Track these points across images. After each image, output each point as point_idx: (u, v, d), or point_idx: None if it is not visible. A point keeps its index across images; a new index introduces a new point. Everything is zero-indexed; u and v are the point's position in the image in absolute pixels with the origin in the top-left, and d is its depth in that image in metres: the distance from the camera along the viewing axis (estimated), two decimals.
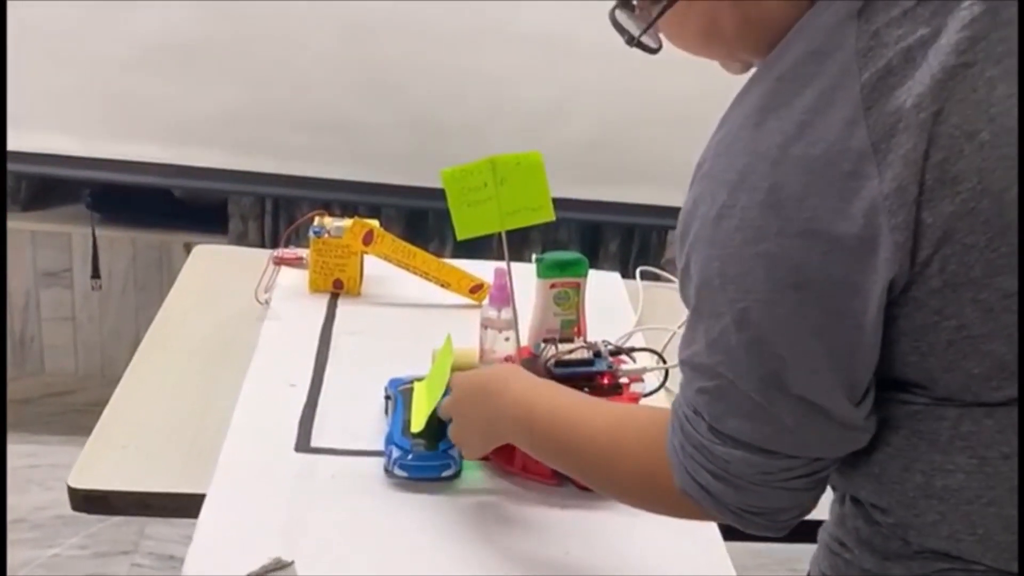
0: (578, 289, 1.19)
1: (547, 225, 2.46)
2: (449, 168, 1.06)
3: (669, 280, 1.70)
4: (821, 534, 0.87)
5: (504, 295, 1.17)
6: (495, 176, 1.07)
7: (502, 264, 1.14)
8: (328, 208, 2.27)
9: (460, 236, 1.08)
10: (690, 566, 1.02)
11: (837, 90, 0.68)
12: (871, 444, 0.76)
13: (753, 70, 0.78)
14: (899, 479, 0.75)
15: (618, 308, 1.58)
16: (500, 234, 1.09)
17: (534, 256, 1.19)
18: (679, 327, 1.50)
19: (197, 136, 2.22)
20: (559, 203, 2.59)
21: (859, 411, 0.73)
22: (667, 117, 2.22)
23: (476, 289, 1.51)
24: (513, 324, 1.14)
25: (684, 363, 0.78)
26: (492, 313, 1.21)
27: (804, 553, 1.63)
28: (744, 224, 0.70)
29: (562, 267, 1.18)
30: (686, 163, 2.44)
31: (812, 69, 0.70)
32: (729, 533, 1.07)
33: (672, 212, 2.43)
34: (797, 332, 0.70)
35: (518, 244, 2.43)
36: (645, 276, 1.66)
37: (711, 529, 1.06)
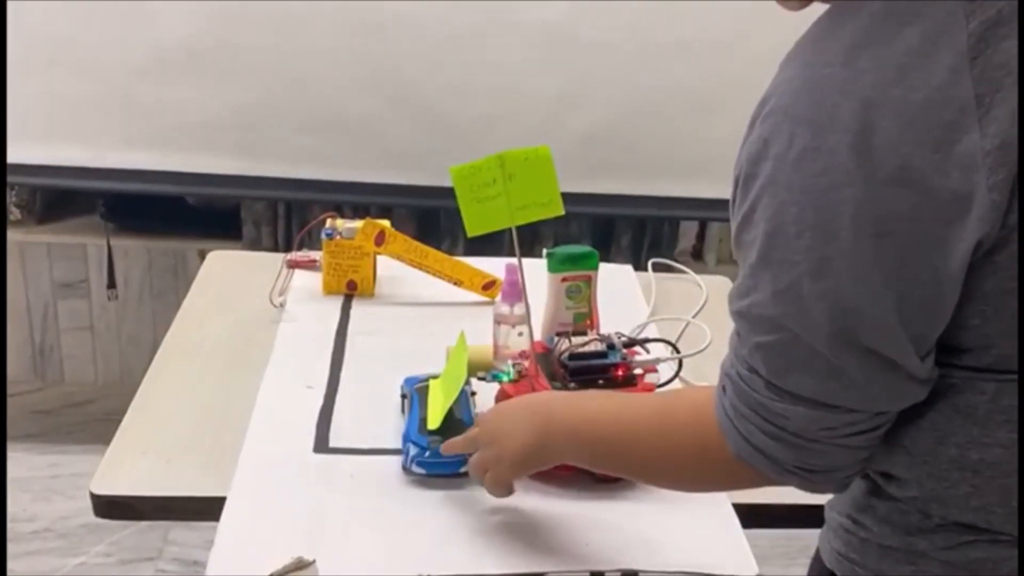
0: (589, 282, 1.20)
1: (558, 220, 2.45)
2: (458, 165, 1.07)
3: (682, 271, 1.70)
4: (829, 513, 0.87)
5: (516, 290, 1.18)
6: (504, 172, 1.07)
7: (513, 260, 1.14)
8: (340, 210, 2.28)
9: (470, 233, 1.09)
10: (709, 554, 1.02)
11: (942, 35, 0.65)
12: (903, 415, 0.74)
13: (817, 5, 0.74)
14: (931, 452, 0.74)
15: (631, 300, 1.58)
16: (511, 229, 1.10)
17: (545, 251, 1.19)
18: (693, 316, 1.51)
19: (208, 142, 2.23)
20: (570, 197, 2.59)
21: (925, 364, 0.71)
22: (676, 108, 2.22)
23: (489, 286, 1.52)
24: (526, 319, 1.14)
25: (740, 314, 0.74)
26: (505, 309, 1.22)
27: None
28: (830, 168, 0.66)
29: (573, 261, 1.19)
30: (696, 154, 2.44)
31: (915, 7, 0.66)
32: (747, 520, 1.08)
33: (683, 203, 2.43)
34: (875, 284, 0.68)
35: (530, 240, 2.44)
36: (657, 268, 1.66)
37: (730, 517, 1.07)
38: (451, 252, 2.43)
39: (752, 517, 1.08)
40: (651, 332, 1.46)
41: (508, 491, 0.99)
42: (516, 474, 0.97)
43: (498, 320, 1.23)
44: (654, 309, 1.55)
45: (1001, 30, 0.64)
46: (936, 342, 0.71)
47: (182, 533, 2.27)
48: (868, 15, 0.68)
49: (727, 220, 2.57)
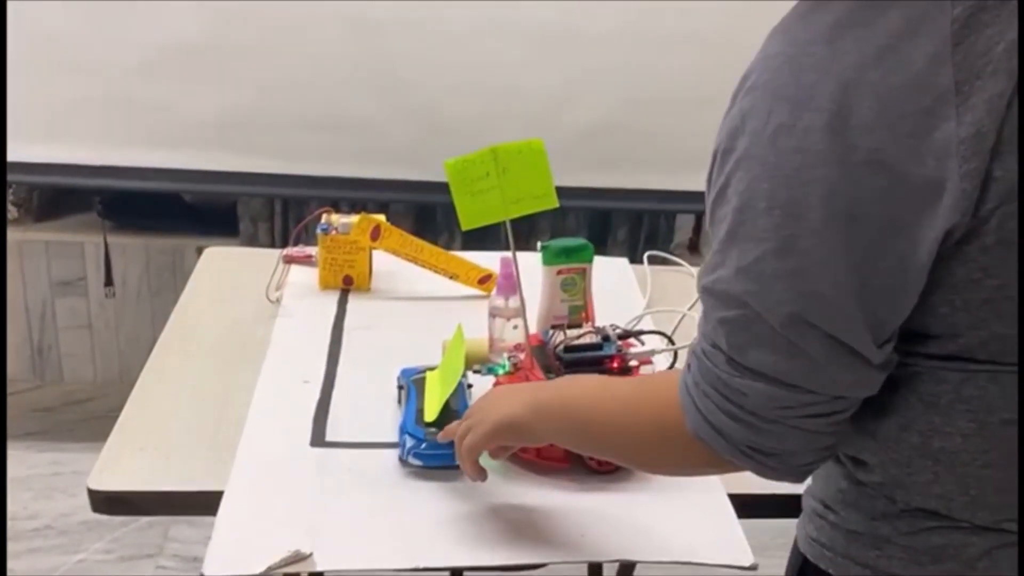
0: (584, 275, 1.20)
1: (555, 214, 2.49)
2: (452, 159, 1.07)
3: (677, 264, 1.70)
4: (805, 498, 0.87)
5: (511, 283, 1.18)
6: (498, 165, 1.08)
7: (508, 254, 1.15)
8: (336, 206, 2.28)
9: (464, 226, 1.09)
10: (705, 544, 1.02)
11: (925, 20, 0.64)
12: (868, 401, 0.74)
13: None
14: (895, 438, 0.75)
15: (627, 293, 1.59)
16: (505, 223, 1.10)
17: (539, 243, 1.20)
18: (688, 309, 1.51)
19: (204, 139, 2.23)
20: (566, 192, 2.60)
21: (883, 351, 0.71)
22: (673, 102, 2.22)
23: (485, 280, 1.52)
24: (521, 312, 1.14)
25: (706, 290, 0.74)
26: (500, 302, 1.22)
27: None
28: (804, 146, 0.66)
29: (568, 253, 1.19)
30: (692, 147, 2.43)
31: None
32: (744, 511, 1.08)
33: (680, 196, 2.43)
34: (839, 266, 0.67)
35: (526, 233, 2.44)
36: (653, 261, 1.67)
37: (725, 507, 1.07)
38: (448, 247, 2.43)
39: (746, 508, 1.09)
40: (647, 324, 1.46)
41: (477, 469, 0.98)
42: (489, 440, 0.95)
43: (493, 313, 1.23)
44: (650, 301, 1.56)
45: (985, 16, 0.63)
46: (901, 329, 0.71)
47: (183, 530, 2.27)
48: (851, 5, 0.67)
49: None
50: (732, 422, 0.74)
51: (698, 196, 2.49)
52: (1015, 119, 0.63)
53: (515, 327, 1.21)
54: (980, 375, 0.71)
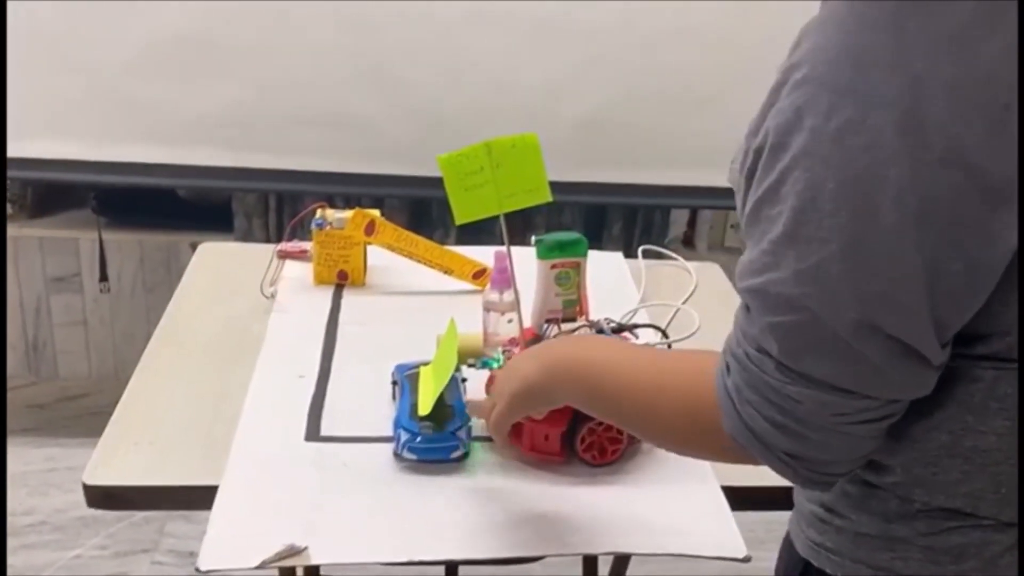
0: (578, 269, 1.20)
1: (550, 209, 2.49)
2: (445, 154, 1.07)
3: (672, 258, 1.70)
4: (800, 503, 0.86)
5: (505, 278, 1.18)
6: (491, 160, 1.08)
7: (503, 248, 1.15)
8: (331, 201, 2.27)
9: (458, 220, 1.09)
10: (700, 537, 1.02)
11: (1000, 12, 0.61)
12: None
13: None
14: (921, 438, 0.73)
15: (621, 287, 1.59)
16: (500, 218, 1.10)
17: (533, 238, 1.20)
18: (683, 303, 1.51)
19: (198, 135, 2.23)
20: (561, 186, 2.60)
21: (943, 353, 0.69)
22: (667, 96, 2.22)
23: (479, 274, 1.52)
24: (516, 306, 1.15)
25: (754, 292, 0.70)
26: (494, 296, 1.23)
27: None
28: (874, 144, 0.63)
29: (562, 247, 1.19)
30: (687, 142, 2.43)
31: None
32: (737, 503, 1.09)
33: (675, 191, 2.43)
34: (909, 268, 0.64)
35: (521, 228, 2.44)
36: (647, 255, 1.67)
37: (719, 500, 1.08)
38: (443, 242, 2.43)
39: (740, 500, 1.09)
40: (641, 318, 1.47)
41: (505, 436, 0.99)
42: (515, 410, 0.95)
43: (488, 307, 1.24)
44: (644, 295, 1.56)
45: None
46: None
47: (178, 525, 2.28)
48: None
49: (717, 207, 2.59)
50: (775, 429, 0.72)
51: (693, 190, 2.50)
52: None
53: (509, 321, 1.21)
54: (1012, 372, 0.69)
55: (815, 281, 0.66)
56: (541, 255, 1.19)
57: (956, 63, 0.61)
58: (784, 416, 0.71)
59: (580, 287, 1.21)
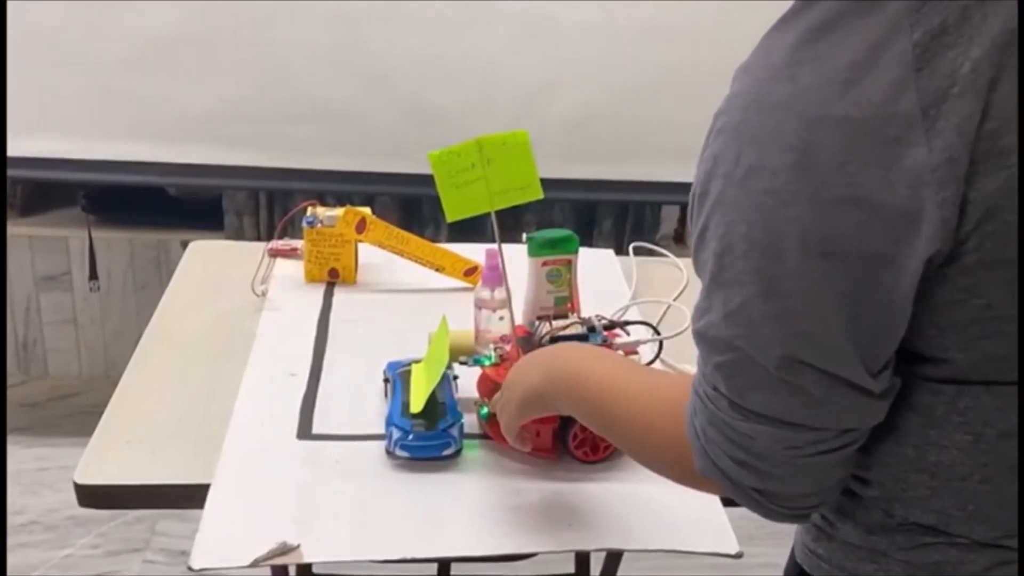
0: (570, 266, 1.20)
1: (541, 206, 2.49)
2: (436, 150, 1.07)
3: (663, 255, 1.70)
4: None
5: (496, 275, 1.18)
6: (482, 156, 1.08)
7: (494, 245, 1.15)
8: (322, 199, 2.27)
9: (450, 218, 1.09)
10: (692, 532, 1.03)
11: (885, 47, 0.62)
12: None
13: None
14: (890, 452, 0.73)
15: (613, 284, 1.59)
16: (491, 214, 1.10)
17: (524, 235, 1.20)
18: (674, 299, 1.52)
19: (188, 133, 2.23)
20: (552, 183, 2.59)
21: (880, 380, 0.69)
22: (657, 92, 2.23)
23: (470, 272, 1.52)
24: (507, 303, 1.15)
25: (698, 335, 0.73)
26: (486, 293, 1.23)
27: None
28: (775, 187, 0.65)
29: (553, 245, 1.19)
30: (677, 138, 2.43)
31: (855, 21, 0.64)
32: (727, 499, 1.09)
33: (665, 187, 2.44)
34: (824, 304, 0.66)
35: (511, 225, 2.42)
36: (639, 252, 1.67)
37: (711, 497, 1.07)
38: (434, 239, 2.42)
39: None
40: (633, 315, 1.47)
41: (521, 442, 1.02)
42: (520, 416, 0.98)
43: (479, 305, 1.24)
44: (635, 292, 1.56)
45: (946, 39, 0.62)
46: (899, 350, 0.70)
47: (170, 524, 2.27)
48: (808, 28, 0.66)
49: None
50: (738, 467, 0.73)
51: (684, 187, 2.50)
52: (986, 140, 0.61)
53: (501, 318, 1.21)
54: (975, 387, 0.69)
55: (742, 323, 0.69)
56: (532, 252, 1.19)
57: (846, 103, 0.63)
58: (744, 453, 0.73)
59: (571, 284, 1.21)
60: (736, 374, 0.71)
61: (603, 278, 1.60)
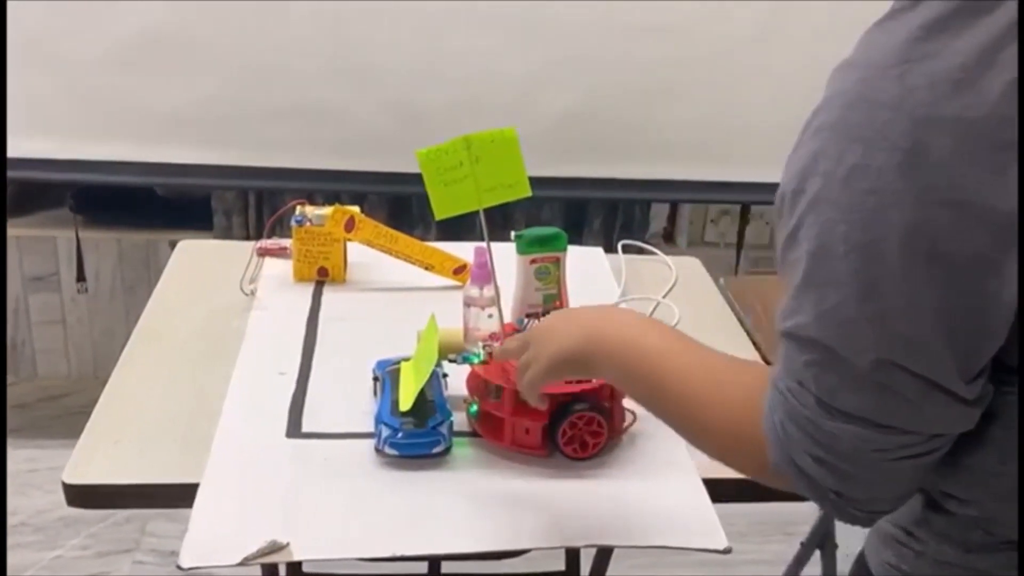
0: (558, 263, 1.20)
1: (530, 203, 2.49)
2: (424, 148, 1.07)
3: (652, 253, 1.71)
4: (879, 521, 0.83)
5: (485, 273, 1.18)
6: (470, 154, 1.08)
7: (483, 243, 1.15)
8: (311, 198, 2.26)
9: (438, 216, 1.09)
10: (681, 528, 1.03)
11: (1001, 48, 0.61)
12: (964, 434, 0.71)
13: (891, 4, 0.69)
14: (992, 471, 0.72)
15: (602, 282, 1.59)
16: (479, 212, 1.10)
17: (513, 233, 1.20)
18: (663, 297, 1.52)
19: (177, 132, 2.22)
20: (541, 181, 2.59)
21: (974, 387, 0.68)
22: (646, 90, 2.23)
23: (459, 270, 1.52)
24: (496, 301, 1.15)
25: (787, 335, 0.71)
26: (474, 291, 1.23)
27: (799, 516, 1.64)
28: (879, 187, 0.64)
29: (541, 242, 1.20)
30: (666, 136, 2.43)
31: (968, 20, 0.62)
32: (718, 496, 1.09)
33: (654, 185, 2.44)
34: (923, 308, 0.64)
35: (501, 224, 2.42)
36: (627, 250, 1.67)
37: (700, 492, 1.08)
38: (423, 238, 2.42)
39: (722, 493, 1.10)
40: None
41: (539, 397, 1.00)
42: (547, 376, 0.96)
43: (468, 302, 1.24)
44: (624, 290, 1.56)
45: None
46: (993, 361, 0.68)
47: (160, 524, 2.27)
48: (916, 27, 0.64)
49: (697, 202, 2.60)
50: (817, 465, 0.72)
51: (673, 184, 2.50)
52: None
53: (490, 316, 1.21)
54: None
55: (836, 323, 0.67)
56: (521, 250, 1.20)
57: (957, 103, 0.62)
58: (826, 452, 0.71)
59: (560, 282, 1.22)
60: (826, 373, 0.69)
61: (592, 276, 1.61)
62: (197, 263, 1.60)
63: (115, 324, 2.71)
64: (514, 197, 1.11)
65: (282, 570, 1.45)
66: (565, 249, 1.21)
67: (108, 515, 2.29)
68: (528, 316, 1.18)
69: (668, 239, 2.67)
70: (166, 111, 2.19)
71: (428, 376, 1.11)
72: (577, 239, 2.53)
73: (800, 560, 1.67)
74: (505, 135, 1.09)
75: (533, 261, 1.19)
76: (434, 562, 1.65)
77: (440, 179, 1.08)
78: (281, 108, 2.21)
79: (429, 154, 1.07)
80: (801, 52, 2.20)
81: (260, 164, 2.27)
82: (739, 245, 2.49)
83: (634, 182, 2.34)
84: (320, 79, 2.19)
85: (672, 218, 2.67)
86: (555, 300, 1.22)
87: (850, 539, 2.34)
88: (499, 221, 2.51)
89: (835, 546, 1.59)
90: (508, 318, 1.22)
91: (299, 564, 1.22)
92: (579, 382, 1.11)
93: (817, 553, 1.66)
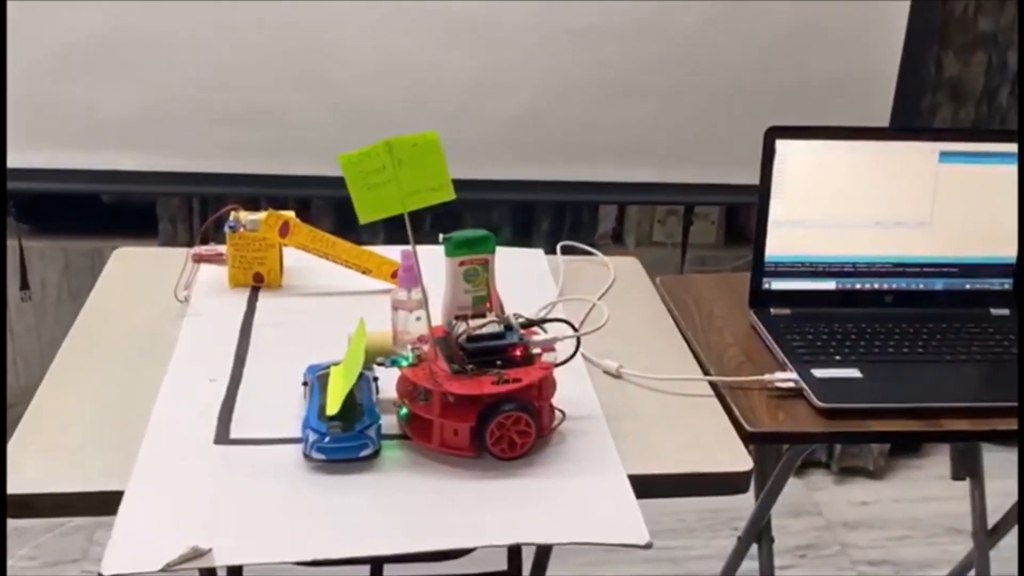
0: (487, 265, 1.21)
1: (479, 207, 2.50)
2: (346, 152, 1.08)
3: (591, 254, 1.72)
4: None
5: (412, 276, 1.19)
6: (393, 158, 1.08)
7: (422, 246, 1.16)
8: (256, 203, 2.27)
9: (362, 219, 1.10)
10: (604, 524, 1.04)
11: None
12: None
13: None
14: None
15: (540, 282, 1.60)
16: (404, 216, 1.11)
17: (440, 236, 1.20)
18: (599, 298, 1.53)
19: (121, 139, 2.21)
20: (490, 184, 2.59)
21: None
22: (593, 91, 2.24)
23: (397, 274, 1.52)
24: (423, 304, 1.15)
25: None
26: (402, 294, 1.23)
27: (747, 510, 1.64)
28: None
29: (469, 244, 1.20)
30: (613, 138, 2.44)
31: None
32: (648, 491, 1.10)
33: (602, 187, 2.44)
34: None
35: (450, 227, 2.44)
36: (566, 251, 1.68)
37: (625, 488, 1.09)
38: (371, 242, 2.40)
39: (648, 488, 1.11)
40: (558, 312, 1.48)
41: None
42: None
43: (396, 306, 1.24)
44: (562, 290, 1.57)
45: None
46: None
47: (107, 534, 2.23)
48: None
49: (642, 203, 2.58)
50: None
51: (620, 186, 2.51)
52: None
53: (418, 319, 1.22)
54: None
55: None
56: (449, 252, 1.20)
57: None
58: None
59: (489, 283, 1.22)
60: None
61: (531, 277, 1.62)
62: (133, 270, 1.59)
63: (62, 333, 2.67)
64: (438, 200, 1.12)
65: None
66: (493, 251, 1.21)
67: (55, 524, 2.27)
68: (457, 318, 1.19)
69: (617, 240, 2.68)
70: (110, 117, 2.18)
71: (354, 380, 1.11)
72: (526, 241, 2.55)
73: (738, 554, 1.68)
74: (427, 138, 1.10)
75: (462, 263, 1.19)
76: (376, 565, 1.65)
77: (363, 183, 1.09)
78: (226, 113, 2.20)
79: (351, 158, 1.08)
80: (744, 54, 2.22)
81: (204, 170, 2.26)
82: (684, 245, 2.51)
83: (581, 184, 2.35)
84: (266, 83, 2.18)
85: (620, 219, 2.68)
86: (485, 302, 1.22)
87: (784, 535, 2.36)
88: (448, 225, 2.52)
89: (772, 540, 1.61)
90: (437, 320, 1.23)
91: (240, 568, 1.22)
92: (507, 382, 1.12)
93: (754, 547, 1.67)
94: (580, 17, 2.18)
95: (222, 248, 1.56)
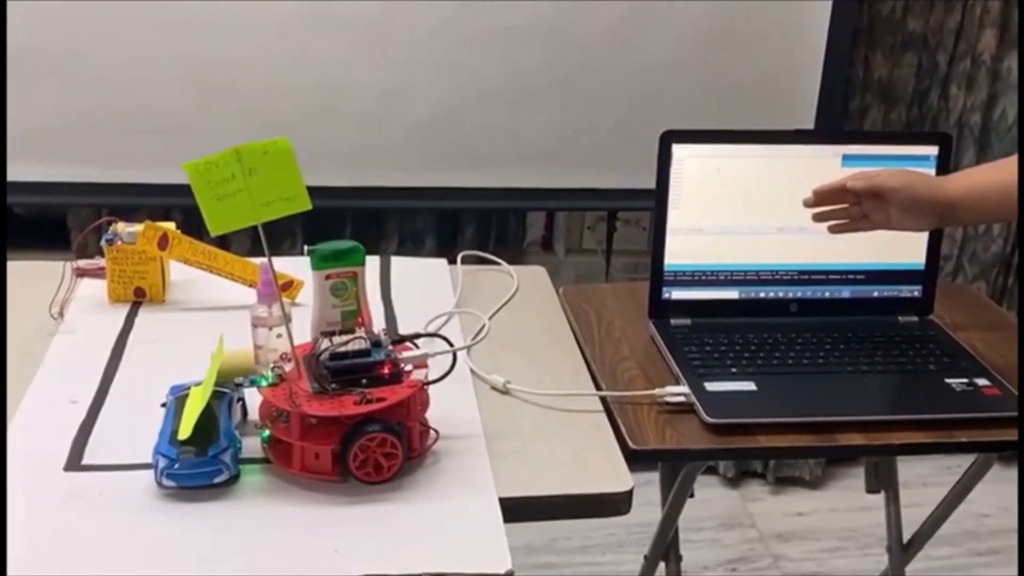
0: (356, 279, 1.15)
1: (402, 215, 2.44)
2: (192, 161, 1.02)
3: (496, 263, 1.66)
4: None
5: (270, 291, 1.13)
6: (242, 167, 1.03)
7: (265, 259, 1.10)
8: (168, 214, 2.20)
9: (213, 231, 1.04)
10: (465, 552, 0.98)
11: None
12: None
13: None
14: None
15: (438, 293, 1.55)
16: (259, 227, 1.05)
17: (306, 248, 1.15)
18: (498, 309, 1.48)
19: (30, 149, 2.14)
20: (410, 192, 2.52)
21: None
22: (512, 96, 2.19)
23: (286, 287, 1.47)
24: (284, 320, 1.09)
25: None
26: (262, 311, 1.17)
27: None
28: None
29: (336, 257, 1.15)
30: (535, 142, 2.38)
31: None
32: (516, 515, 1.05)
33: (528, 194, 2.38)
34: None
35: (375, 237, 2.40)
36: (467, 260, 1.63)
37: (494, 515, 1.04)
38: (290, 252, 2.36)
39: (521, 511, 1.06)
40: (453, 324, 1.43)
41: None
42: None
43: (255, 323, 1.18)
44: (459, 301, 1.52)
45: None
46: None
47: None
48: None
49: (572, 210, 2.53)
50: None
51: (546, 193, 2.44)
52: None
53: (279, 336, 1.16)
54: None
55: None
56: (315, 266, 1.15)
57: None
58: None
59: (360, 297, 1.17)
60: None
61: (431, 287, 1.56)
62: (13, 285, 1.52)
63: None
64: (294, 211, 1.06)
65: None
66: (363, 263, 1.16)
67: None
68: (323, 334, 1.13)
69: (546, 247, 2.63)
70: (20, 128, 2.11)
71: (206, 401, 1.05)
72: (451, 249, 2.49)
73: (646, 573, 1.64)
74: (279, 145, 1.04)
75: (328, 277, 1.14)
76: None
77: (212, 193, 1.03)
78: (137, 123, 2.14)
79: (198, 167, 1.02)
80: (663, 56, 2.18)
81: (115, 180, 2.20)
82: (608, 252, 2.46)
83: (505, 190, 2.30)
84: (175, 93, 2.13)
85: (549, 226, 2.63)
86: (356, 317, 1.17)
87: (716, 548, 2.32)
88: (373, 235, 2.47)
89: (680, 557, 1.56)
90: (308, 336, 1.17)
91: None
92: (370, 401, 1.06)
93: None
94: (492, 20, 2.13)
95: (103, 261, 1.49)
